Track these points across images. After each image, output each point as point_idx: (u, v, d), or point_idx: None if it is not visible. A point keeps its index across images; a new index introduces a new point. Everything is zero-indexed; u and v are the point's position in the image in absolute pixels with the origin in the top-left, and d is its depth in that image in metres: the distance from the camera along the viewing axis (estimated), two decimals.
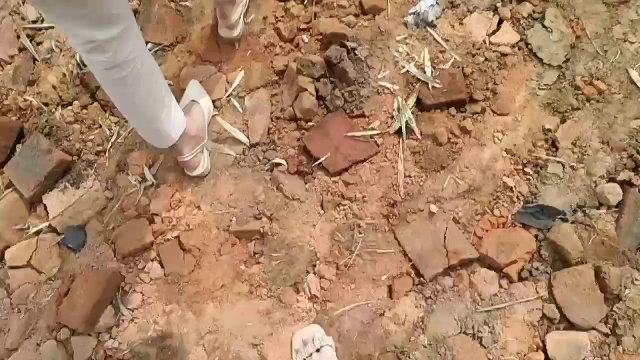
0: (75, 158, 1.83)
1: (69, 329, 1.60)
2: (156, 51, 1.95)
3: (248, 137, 1.82)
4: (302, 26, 1.93)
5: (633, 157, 1.70)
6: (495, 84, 1.82)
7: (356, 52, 1.83)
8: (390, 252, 1.66)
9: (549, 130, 1.76)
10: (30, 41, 2.03)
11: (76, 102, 1.89)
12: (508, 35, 1.88)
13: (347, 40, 1.84)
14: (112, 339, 1.61)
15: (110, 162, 1.83)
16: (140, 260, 1.70)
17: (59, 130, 1.83)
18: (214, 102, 1.88)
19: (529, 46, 1.88)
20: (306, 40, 1.90)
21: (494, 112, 1.80)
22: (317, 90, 1.80)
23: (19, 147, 1.85)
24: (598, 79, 1.81)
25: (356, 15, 1.93)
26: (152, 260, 1.70)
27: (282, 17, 1.96)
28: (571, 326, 1.54)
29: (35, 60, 2.01)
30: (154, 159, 1.81)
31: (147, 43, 1.86)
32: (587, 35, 1.87)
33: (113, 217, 1.75)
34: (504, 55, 1.86)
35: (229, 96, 1.89)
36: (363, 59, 1.84)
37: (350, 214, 1.70)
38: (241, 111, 1.87)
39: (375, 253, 1.65)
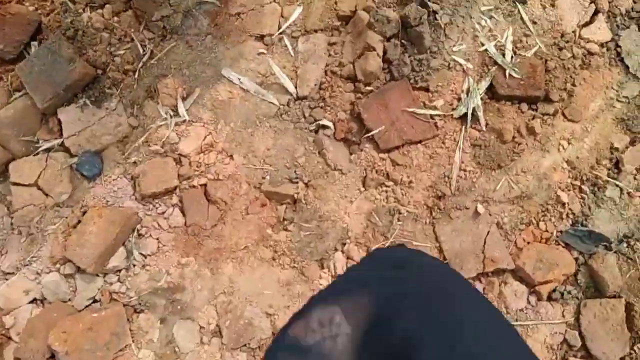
0: (100, 72, 1.59)
1: (75, 264, 1.47)
2: None
3: (296, 88, 1.63)
4: None
5: None
6: (573, 84, 1.66)
7: (437, 16, 1.61)
8: (426, 245, 1.57)
9: (616, 149, 1.64)
10: None
11: (108, 6, 1.61)
12: (600, 31, 1.69)
13: (430, 0, 1.61)
14: (119, 282, 1.50)
15: (139, 84, 1.61)
16: (160, 203, 1.55)
17: (84, 36, 1.56)
18: (262, 37, 1.66)
19: (618, 48, 1.70)
20: None
21: (564, 116, 1.65)
22: (384, 52, 1.60)
23: (34, 44, 1.59)
24: None
25: None
26: (173, 206, 1.55)
27: None
28: (588, 356, 1.53)
29: None
30: (188, 91, 1.60)
31: None
32: None
33: (136, 149, 1.57)
34: (591, 53, 1.68)
35: (281, 33, 1.66)
36: (442, 26, 1.63)
37: (392, 197, 1.58)
38: (292, 54, 1.65)
39: (410, 244, 1.56)
